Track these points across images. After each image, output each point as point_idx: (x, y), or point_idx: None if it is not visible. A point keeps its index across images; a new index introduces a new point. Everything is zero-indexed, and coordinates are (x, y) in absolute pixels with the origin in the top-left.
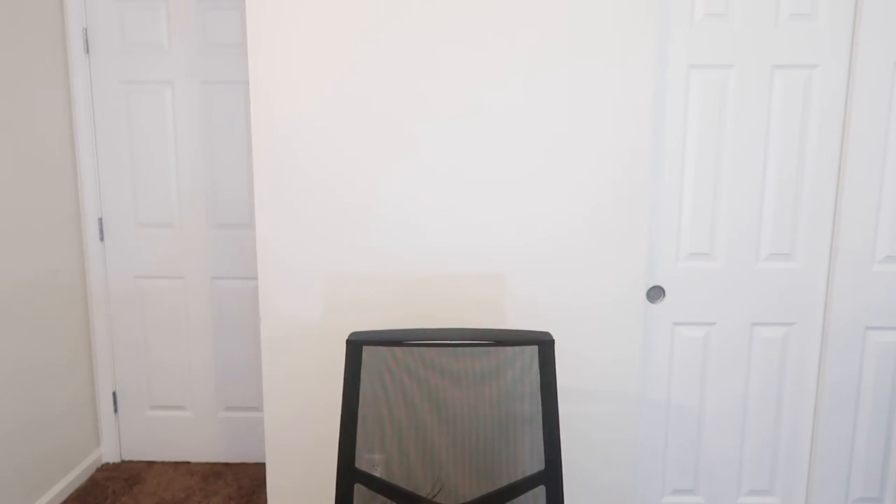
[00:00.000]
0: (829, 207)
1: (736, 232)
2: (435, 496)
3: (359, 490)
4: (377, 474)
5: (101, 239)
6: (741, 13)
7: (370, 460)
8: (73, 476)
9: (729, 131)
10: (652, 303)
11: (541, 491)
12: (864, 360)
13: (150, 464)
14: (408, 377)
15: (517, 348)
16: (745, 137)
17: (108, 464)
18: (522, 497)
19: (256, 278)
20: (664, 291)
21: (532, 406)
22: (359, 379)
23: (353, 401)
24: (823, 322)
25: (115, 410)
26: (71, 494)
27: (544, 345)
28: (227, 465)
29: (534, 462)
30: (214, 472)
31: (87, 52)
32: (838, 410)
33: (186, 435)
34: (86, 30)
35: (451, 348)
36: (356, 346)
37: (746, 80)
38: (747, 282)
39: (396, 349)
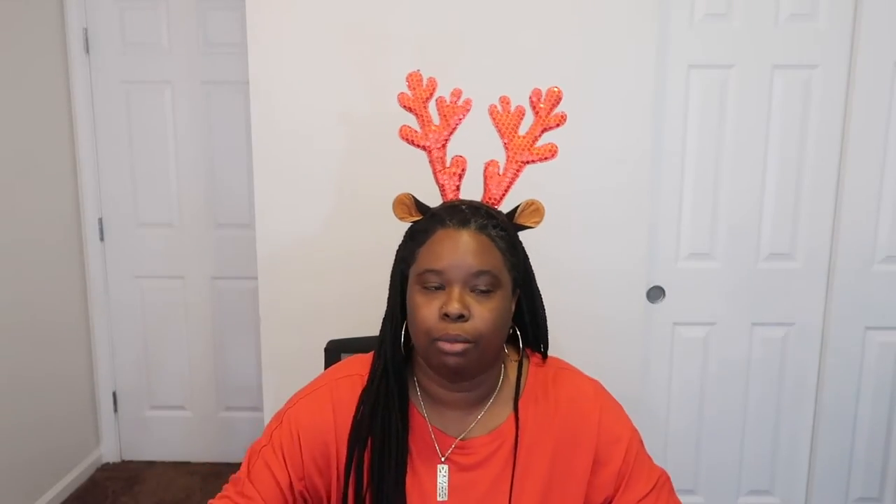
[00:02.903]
0: (829, 207)
1: (736, 232)
2: None
3: None
4: None
5: (101, 239)
6: (741, 13)
7: None
8: (73, 476)
9: (729, 131)
10: (652, 303)
11: None
12: (864, 360)
13: (150, 464)
14: None
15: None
16: (745, 137)
17: (108, 464)
18: None
19: (256, 278)
20: (664, 291)
21: None
22: None
23: None
24: (823, 322)
25: (115, 410)
26: (71, 494)
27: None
28: (227, 465)
29: None
30: (214, 472)
31: (87, 52)
32: (838, 410)
33: (186, 435)
34: (86, 30)
35: None
36: (334, 354)
37: (746, 80)
38: (747, 282)
39: None
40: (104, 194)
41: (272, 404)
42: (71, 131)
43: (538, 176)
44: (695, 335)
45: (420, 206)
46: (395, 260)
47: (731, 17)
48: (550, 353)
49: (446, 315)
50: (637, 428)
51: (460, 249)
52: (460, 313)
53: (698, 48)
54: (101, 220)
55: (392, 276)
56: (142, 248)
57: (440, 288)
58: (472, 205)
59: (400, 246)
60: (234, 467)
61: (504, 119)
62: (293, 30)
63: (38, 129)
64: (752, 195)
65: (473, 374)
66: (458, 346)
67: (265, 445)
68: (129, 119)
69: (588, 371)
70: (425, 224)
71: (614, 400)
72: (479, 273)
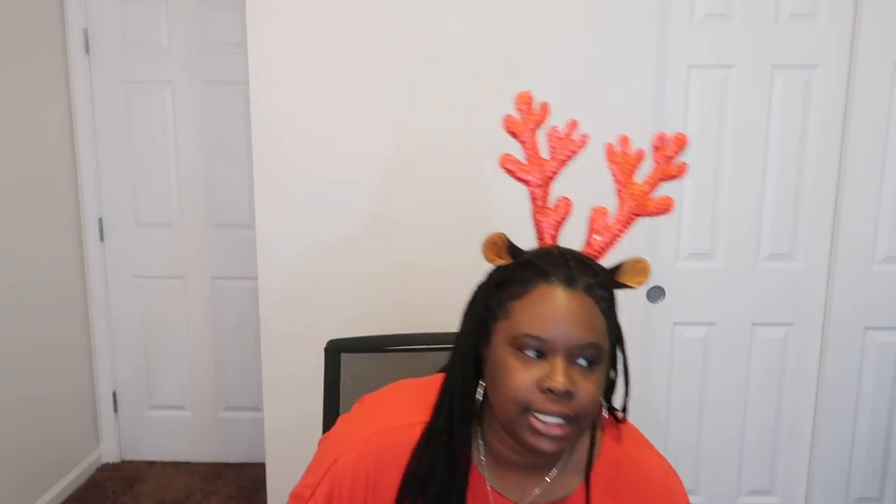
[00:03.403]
0: (829, 207)
1: (736, 232)
2: None
3: None
4: None
5: (101, 239)
6: (741, 13)
7: None
8: (73, 476)
9: (729, 131)
10: (652, 303)
11: None
12: (864, 360)
13: (150, 464)
14: (389, 382)
15: None
16: (745, 137)
17: (108, 464)
18: None
19: (256, 278)
20: (664, 291)
21: None
22: (338, 388)
23: (333, 410)
24: (823, 322)
25: (115, 410)
26: (71, 494)
27: None
28: (227, 465)
29: None
30: (214, 472)
31: (87, 52)
32: (838, 410)
33: (186, 435)
34: (86, 30)
35: (432, 353)
36: (334, 353)
37: (746, 80)
38: (747, 282)
39: (376, 354)
40: (104, 194)
41: (272, 404)
42: (71, 131)
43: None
44: (695, 335)
45: (511, 249)
46: (474, 303)
47: (731, 17)
48: None
49: (550, 390)
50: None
51: (568, 316)
52: (568, 390)
53: (698, 48)
54: (101, 220)
55: (466, 321)
56: (142, 248)
57: (539, 355)
58: (575, 256)
59: (483, 288)
60: (234, 467)
61: (622, 161)
62: (293, 30)
63: (37, 129)
64: (752, 195)
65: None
66: (558, 430)
67: (308, 499)
68: (129, 119)
69: None
70: (523, 273)
71: (681, 485)
72: (587, 345)
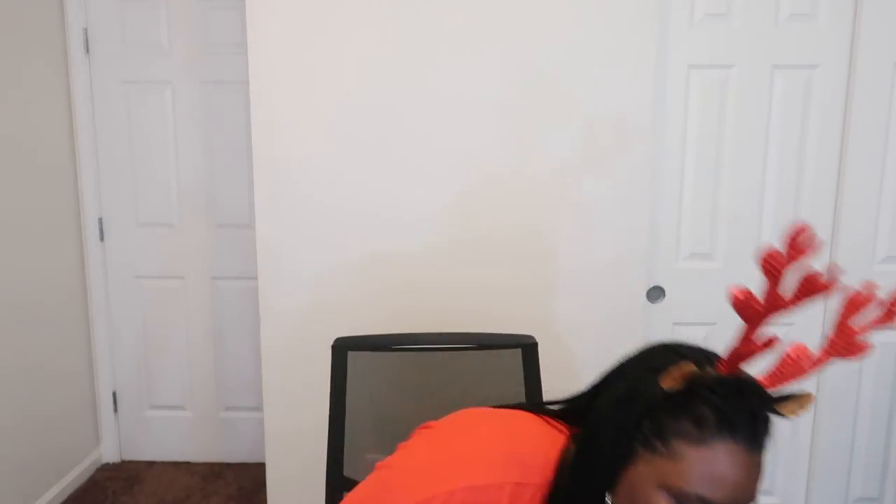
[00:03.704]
0: (829, 207)
1: (736, 232)
2: None
3: None
4: None
5: (101, 239)
6: (741, 13)
7: (374, 460)
8: (73, 476)
9: (729, 131)
10: (652, 303)
11: None
12: (864, 361)
13: (150, 464)
14: (395, 381)
15: (500, 351)
16: (745, 137)
17: (108, 464)
18: None
19: (256, 278)
20: (664, 291)
21: None
22: (345, 385)
23: (340, 409)
24: (823, 322)
25: (115, 410)
26: (71, 494)
27: (527, 348)
28: (227, 465)
29: None
30: (214, 472)
31: (87, 52)
32: (838, 410)
33: (186, 435)
34: (86, 30)
35: (436, 352)
36: (341, 351)
37: (746, 80)
38: (747, 282)
39: (382, 353)
40: (104, 194)
41: (272, 405)
42: (71, 131)
43: (539, 175)
44: (695, 335)
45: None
46: (623, 414)
47: (731, 17)
48: (552, 352)
49: None
50: None
51: (745, 484)
52: None
53: (698, 48)
54: (101, 220)
55: (608, 432)
56: (142, 248)
57: None
58: (757, 396)
59: (641, 400)
60: (234, 467)
61: (856, 304)
62: (293, 30)
63: (38, 129)
64: (752, 195)
65: None
66: None
67: None
68: (129, 119)
69: (587, 372)
70: (701, 412)
71: None
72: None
